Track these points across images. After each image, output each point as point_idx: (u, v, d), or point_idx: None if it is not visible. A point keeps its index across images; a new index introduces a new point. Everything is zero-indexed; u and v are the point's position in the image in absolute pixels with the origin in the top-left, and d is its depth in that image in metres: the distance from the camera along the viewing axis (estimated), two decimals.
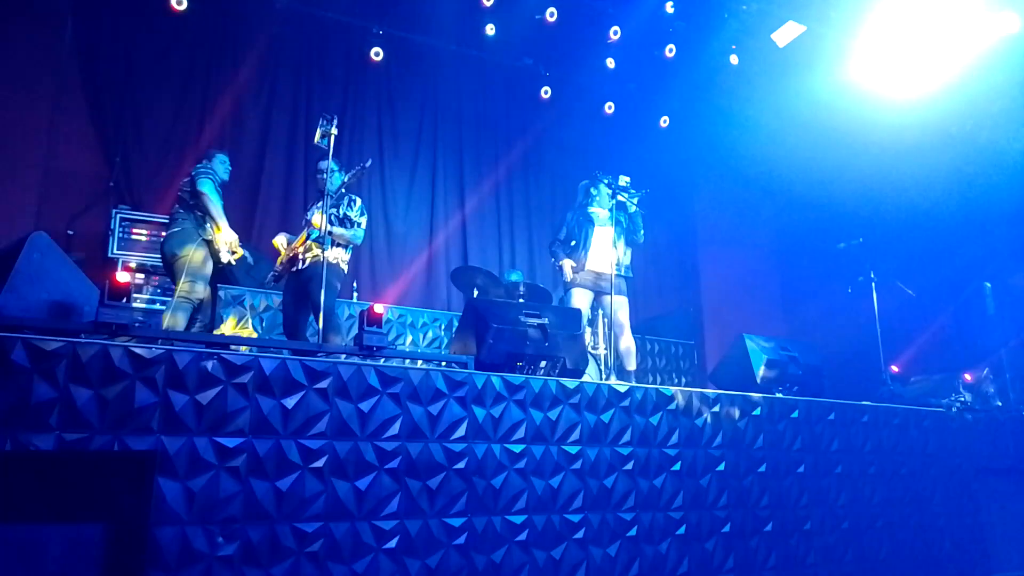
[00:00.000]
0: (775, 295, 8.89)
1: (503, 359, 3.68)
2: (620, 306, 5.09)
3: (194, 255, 4.24)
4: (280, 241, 4.85)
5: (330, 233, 4.51)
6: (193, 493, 2.55)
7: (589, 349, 5.20)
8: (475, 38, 7.58)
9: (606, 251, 5.14)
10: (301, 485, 2.74)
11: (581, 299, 5.13)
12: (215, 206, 4.35)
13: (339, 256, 4.69)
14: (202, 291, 4.31)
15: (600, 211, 5.31)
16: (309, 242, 4.60)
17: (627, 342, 5.16)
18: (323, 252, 4.37)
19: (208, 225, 4.36)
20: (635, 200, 5.18)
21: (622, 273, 5.23)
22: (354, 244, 4.79)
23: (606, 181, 5.18)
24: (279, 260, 4.83)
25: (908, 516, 4.43)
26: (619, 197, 5.10)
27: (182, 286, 4.20)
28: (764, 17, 7.06)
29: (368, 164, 4.70)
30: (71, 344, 2.50)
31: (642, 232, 5.32)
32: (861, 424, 4.41)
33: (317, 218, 4.54)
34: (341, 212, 4.71)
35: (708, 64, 7.62)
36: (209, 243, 4.35)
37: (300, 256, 4.63)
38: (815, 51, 7.18)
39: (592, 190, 5.38)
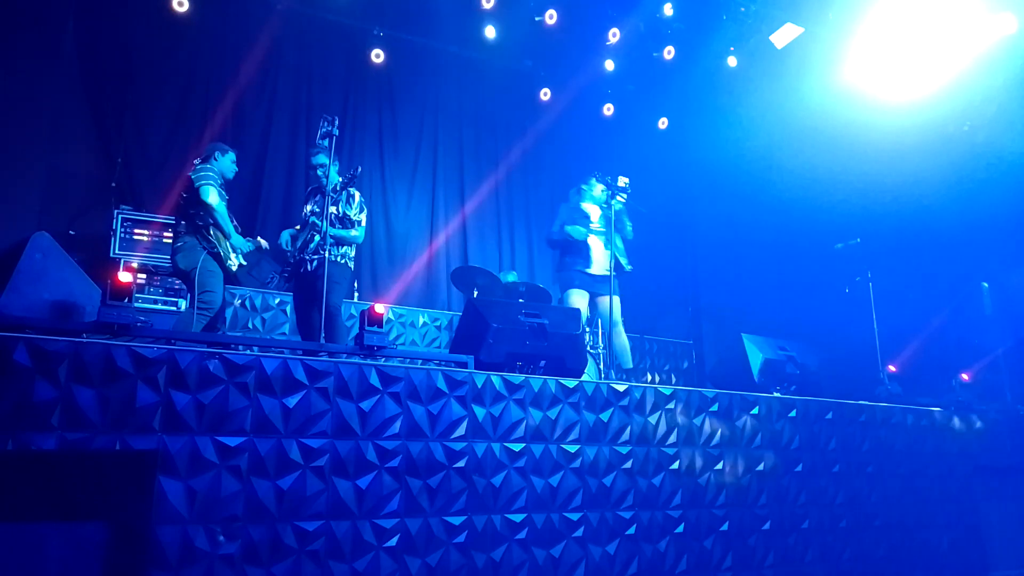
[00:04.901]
0: (773, 295, 8.88)
1: (503, 359, 3.70)
2: (614, 305, 5.12)
3: (203, 269, 4.18)
4: (284, 239, 4.83)
5: (331, 236, 4.50)
6: (195, 492, 2.57)
7: (588, 349, 5.23)
8: (475, 40, 7.61)
9: (601, 252, 5.21)
10: (302, 484, 2.76)
11: (579, 301, 5.17)
12: (222, 217, 4.26)
13: (344, 255, 4.68)
14: (218, 301, 4.27)
15: (593, 209, 5.37)
16: (313, 245, 4.59)
17: (622, 339, 5.18)
18: (326, 252, 4.37)
19: (213, 233, 4.28)
20: (623, 197, 5.17)
21: (623, 270, 5.27)
22: (356, 243, 4.78)
23: (607, 180, 5.20)
24: (286, 262, 4.80)
25: (906, 515, 4.44)
26: (618, 198, 5.12)
27: (200, 299, 4.17)
28: (762, 19, 7.09)
29: (359, 171, 4.67)
30: (73, 344, 2.51)
31: (630, 227, 5.34)
32: (859, 423, 4.43)
33: (317, 219, 4.52)
34: (340, 210, 4.67)
35: (707, 65, 7.65)
36: (216, 255, 4.29)
37: (307, 258, 4.61)
38: (813, 52, 7.21)
39: (583, 186, 5.43)
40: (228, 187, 4.59)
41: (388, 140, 7.88)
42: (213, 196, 4.23)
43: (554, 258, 5.43)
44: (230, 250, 4.36)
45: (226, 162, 4.53)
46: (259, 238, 4.75)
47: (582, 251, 5.24)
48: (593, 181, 5.39)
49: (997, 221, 6.90)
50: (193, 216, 4.27)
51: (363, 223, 4.78)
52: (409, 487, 2.97)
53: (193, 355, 2.68)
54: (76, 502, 2.58)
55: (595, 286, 5.23)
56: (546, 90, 8.28)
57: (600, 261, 5.22)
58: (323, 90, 7.58)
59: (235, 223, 4.52)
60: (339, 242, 4.61)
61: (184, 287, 4.59)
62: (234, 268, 4.42)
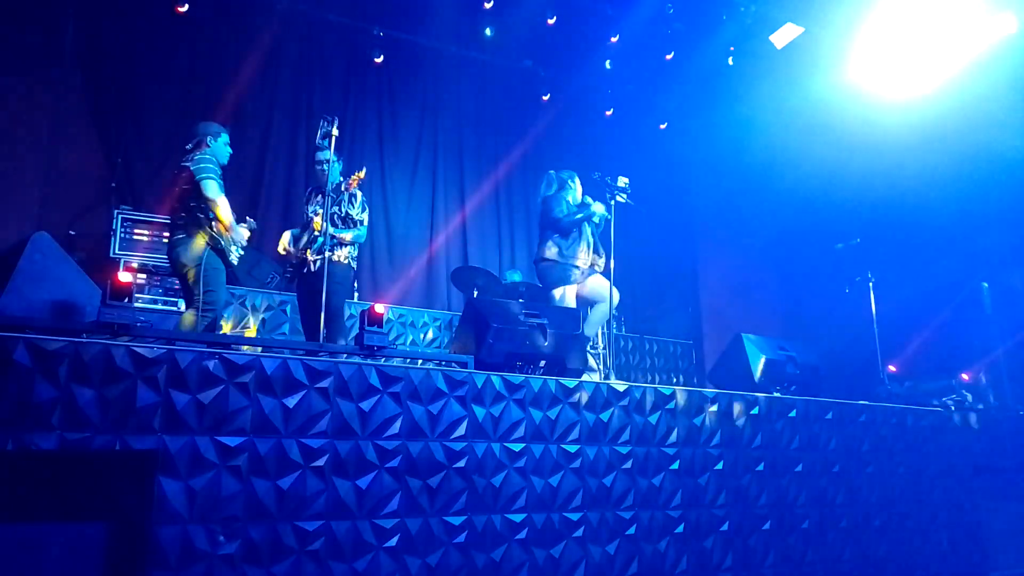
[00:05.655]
0: (773, 295, 8.90)
1: (503, 359, 3.71)
2: (603, 283, 5.06)
3: (208, 266, 4.02)
4: (285, 240, 4.80)
5: (333, 237, 4.49)
6: (195, 492, 2.57)
7: (588, 348, 5.21)
8: (475, 40, 7.62)
9: (590, 247, 5.22)
10: (302, 484, 2.76)
11: (573, 298, 5.14)
12: (225, 210, 4.10)
13: (346, 255, 4.66)
14: (222, 299, 4.15)
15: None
16: (313, 249, 4.59)
17: (599, 315, 5.15)
18: (327, 252, 4.37)
19: (215, 227, 4.13)
20: (622, 197, 5.09)
21: (599, 267, 5.28)
22: (358, 243, 4.75)
23: (607, 180, 5.17)
24: (288, 262, 4.78)
25: (906, 515, 4.44)
26: (618, 198, 5.10)
27: (204, 298, 3.98)
28: (762, 19, 7.09)
29: (363, 173, 4.63)
30: (73, 344, 2.51)
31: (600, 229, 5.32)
32: (859, 423, 4.43)
33: (319, 220, 4.51)
34: (343, 210, 4.63)
35: (707, 65, 7.65)
36: (220, 250, 4.16)
37: (310, 259, 4.60)
38: (813, 52, 7.21)
39: (570, 181, 5.37)
40: (225, 176, 4.36)
41: (388, 140, 7.89)
42: (215, 190, 4.07)
43: (539, 247, 5.28)
44: (232, 243, 4.25)
45: (220, 146, 4.32)
46: (248, 218, 4.56)
47: (574, 244, 5.20)
48: (577, 180, 5.36)
49: (997, 221, 6.90)
50: (194, 209, 4.11)
51: (365, 222, 4.76)
52: (409, 487, 2.97)
53: (193, 355, 2.68)
54: (76, 502, 2.58)
55: (582, 278, 5.23)
56: (546, 97, 8.29)
57: (588, 256, 5.23)
58: (323, 90, 7.58)
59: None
60: (342, 242, 4.59)
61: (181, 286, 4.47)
62: (236, 262, 4.30)
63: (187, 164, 4.15)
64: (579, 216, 5.13)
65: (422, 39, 7.75)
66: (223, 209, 4.11)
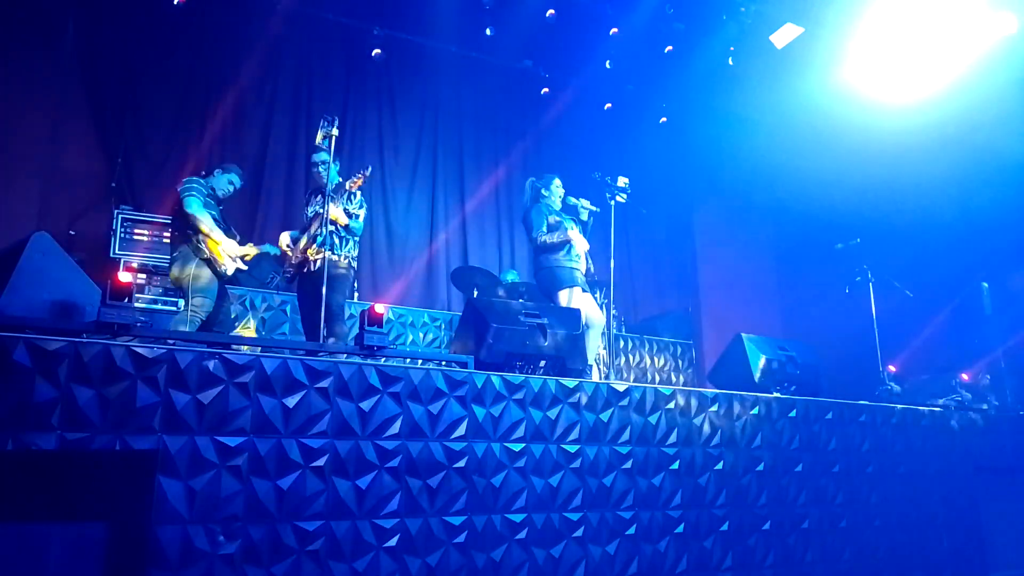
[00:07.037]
0: (773, 295, 8.91)
1: (503, 359, 3.70)
2: (592, 305, 5.07)
3: (195, 275, 4.34)
4: (284, 240, 4.81)
5: (333, 224, 4.50)
6: (194, 492, 2.57)
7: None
8: (475, 39, 7.62)
9: (583, 250, 5.17)
10: (302, 484, 2.76)
11: (582, 299, 5.10)
12: (206, 224, 4.38)
13: (348, 254, 4.66)
14: (209, 306, 4.42)
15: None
16: (315, 247, 4.59)
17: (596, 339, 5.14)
18: (327, 253, 4.37)
19: (203, 242, 4.39)
20: (622, 197, 5.02)
21: (592, 271, 5.23)
22: (353, 235, 4.73)
23: (607, 179, 5.15)
24: (288, 262, 4.79)
25: (906, 515, 4.45)
26: (618, 197, 5.09)
27: (192, 302, 4.34)
28: (762, 19, 7.08)
29: (368, 171, 4.65)
30: (73, 344, 2.51)
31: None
32: (859, 423, 4.43)
33: (318, 221, 4.51)
34: (340, 206, 4.67)
35: (706, 65, 7.65)
36: (208, 261, 4.41)
37: (311, 258, 4.60)
38: (813, 53, 7.21)
39: (544, 191, 5.27)
40: (227, 194, 4.71)
41: (388, 140, 7.89)
42: (194, 207, 4.38)
43: (538, 254, 5.21)
44: (225, 256, 4.43)
45: (220, 177, 4.70)
46: (267, 244, 4.87)
47: (571, 249, 5.15)
48: (554, 186, 5.27)
49: (997, 221, 6.91)
50: (183, 226, 4.43)
51: (361, 218, 4.76)
52: (409, 487, 2.97)
53: (193, 355, 2.69)
54: (76, 502, 2.58)
55: (584, 283, 5.19)
56: (546, 89, 8.29)
57: (583, 257, 5.17)
58: (323, 90, 7.58)
59: (233, 233, 4.59)
60: (336, 221, 4.57)
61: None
62: (229, 272, 4.50)
63: (177, 187, 4.55)
64: (557, 239, 4.98)
65: (422, 39, 7.75)
66: (204, 223, 4.39)
